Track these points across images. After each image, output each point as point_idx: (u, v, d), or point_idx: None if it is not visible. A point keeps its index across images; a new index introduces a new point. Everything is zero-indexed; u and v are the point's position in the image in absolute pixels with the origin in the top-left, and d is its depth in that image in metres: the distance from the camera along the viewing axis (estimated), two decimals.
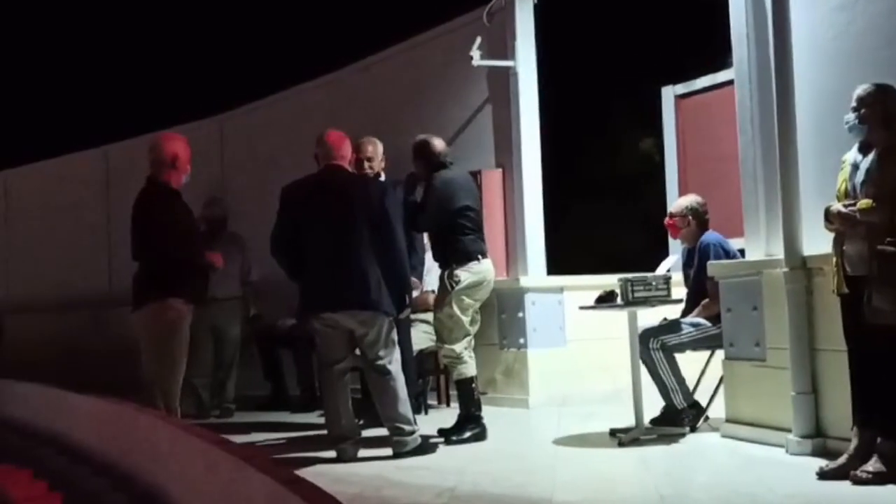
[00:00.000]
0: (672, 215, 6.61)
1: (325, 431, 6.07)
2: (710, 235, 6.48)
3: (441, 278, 6.43)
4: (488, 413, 6.61)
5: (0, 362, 9.98)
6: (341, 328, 5.90)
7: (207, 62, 16.98)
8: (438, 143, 6.56)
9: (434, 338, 7.46)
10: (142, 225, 6.00)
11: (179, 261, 5.96)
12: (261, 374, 8.99)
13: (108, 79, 17.83)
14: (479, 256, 6.40)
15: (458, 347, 6.33)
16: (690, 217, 6.53)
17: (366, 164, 6.81)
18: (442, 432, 6.31)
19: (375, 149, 6.90)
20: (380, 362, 5.89)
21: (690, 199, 6.66)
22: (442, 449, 6.07)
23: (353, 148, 6.77)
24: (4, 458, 6.05)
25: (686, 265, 6.63)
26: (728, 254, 6.36)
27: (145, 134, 11.64)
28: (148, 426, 4.94)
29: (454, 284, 6.31)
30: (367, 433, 6.21)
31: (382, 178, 6.87)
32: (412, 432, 5.89)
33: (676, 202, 6.76)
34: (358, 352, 6.03)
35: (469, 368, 6.37)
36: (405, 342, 6.65)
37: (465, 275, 6.31)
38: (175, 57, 17.23)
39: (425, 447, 5.93)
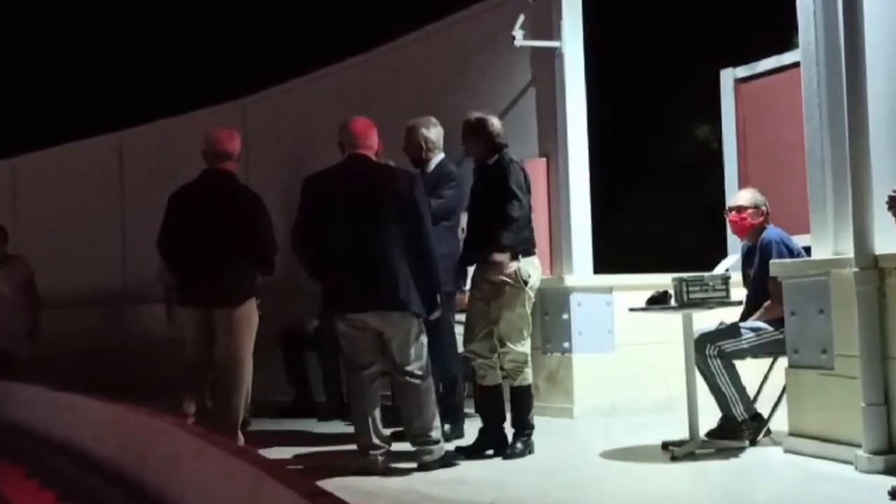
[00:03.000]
0: (742, 209, 6.51)
1: (353, 441, 6.08)
2: (772, 231, 6.43)
3: (509, 274, 6.14)
4: None
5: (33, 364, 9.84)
6: (370, 330, 5.91)
7: (229, 41, 17.05)
8: (496, 122, 6.45)
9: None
10: (250, 222, 6.36)
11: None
12: (283, 378, 9.02)
13: (122, 59, 17.95)
14: (535, 250, 6.40)
15: (528, 349, 6.24)
16: (764, 209, 6.47)
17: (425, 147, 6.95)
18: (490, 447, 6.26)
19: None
20: (410, 367, 5.91)
21: (755, 192, 6.60)
22: (480, 461, 6.07)
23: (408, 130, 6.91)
24: (15, 464, 6.14)
25: (745, 264, 6.57)
26: (791, 252, 6.31)
27: (162, 119, 11.76)
28: (163, 434, 4.98)
29: (526, 280, 6.17)
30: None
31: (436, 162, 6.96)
32: (438, 441, 5.93)
33: (742, 195, 6.65)
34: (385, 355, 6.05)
35: (531, 374, 6.33)
36: (438, 344, 6.62)
37: (533, 270, 6.24)
38: (194, 35, 17.32)
39: (449, 458, 5.97)
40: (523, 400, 6.25)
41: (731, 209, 6.57)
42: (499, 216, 6.09)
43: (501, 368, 6.29)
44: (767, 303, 6.27)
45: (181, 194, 6.55)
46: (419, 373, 5.92)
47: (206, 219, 6.33)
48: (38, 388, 7.61)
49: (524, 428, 6.23)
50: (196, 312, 6.37)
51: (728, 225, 6.71)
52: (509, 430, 6.33)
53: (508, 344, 6.19)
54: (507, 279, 6.12)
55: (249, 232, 6.32)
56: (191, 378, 6.51)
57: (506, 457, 6.12)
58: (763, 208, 6.49)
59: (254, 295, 6.44)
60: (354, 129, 6.09)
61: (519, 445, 6.17)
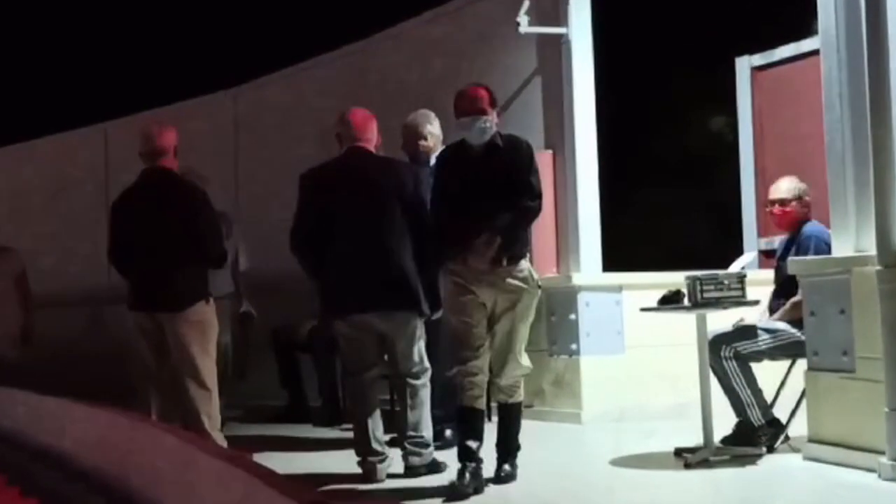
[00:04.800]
0: (785, 202, 6.47)
1: (350, 447, 6.09)
2: (814, 227, 6.37)
3: (524, 278, 5.59)
4: (535, 429, 6.58)
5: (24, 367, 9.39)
6: (372, 331, 5.93)
7: (219, 28, 17.04)
8: None
9: None
10: (192, 219, 6.29)
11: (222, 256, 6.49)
12: (276, 381, 9.03)
13: (107, 47, 17.93)
14: None
15: (529, 363, 5.76)
16: (807, 199, 6.45)
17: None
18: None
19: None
20: (412, 370, 5.95)
21: (794, 180, 6.54)
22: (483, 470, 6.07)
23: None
24: None
25: (782, 256, 6.50)
26: (831, 250, 6.27)
27: (149, 110, 11.75)
28: (151, 439, 4.98)
29: (539, 284, 5.70)
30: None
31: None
32: (428, 445, 5.96)
33: (782, 186, 6.53)
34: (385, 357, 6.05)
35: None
36: (439, 345, 6.61)
37: (535, 272, 5.73)
38: (183, 23, 17.30)
39: (438, 464, 5.97)
40: (517, 418, 5.77)
41: (773, 202, 6.53)
42: (514, 216, 5.52)
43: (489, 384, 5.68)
44: (797, 298, 6.19)
45: (120, 200, 6.55)
46: (420, 376, 5.97)
47: (146, 220, 6.33)
48: (19, 392, 7.62)
49: (516, 449, 5.73)
50: (144, 318, 6.36)
51: (771, 218, 6.67)
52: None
53: (518, 359, 5.65)
54: (522, 284, 5.58)
55: (191, 228, 6.28)
56: (149, 387, 6.47)
57: (497, 481, 5.61)
58: (806, 198, 6.46)
59: (204, 297, 6.33)
60: (353, 120, 6.09)
61: (507, 468, 5.64)
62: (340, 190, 5.93)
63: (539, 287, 5.70)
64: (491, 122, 5.61)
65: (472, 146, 5.67)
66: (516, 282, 5.57)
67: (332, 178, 6.00)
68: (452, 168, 5.74)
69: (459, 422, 5.75)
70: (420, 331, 5.97)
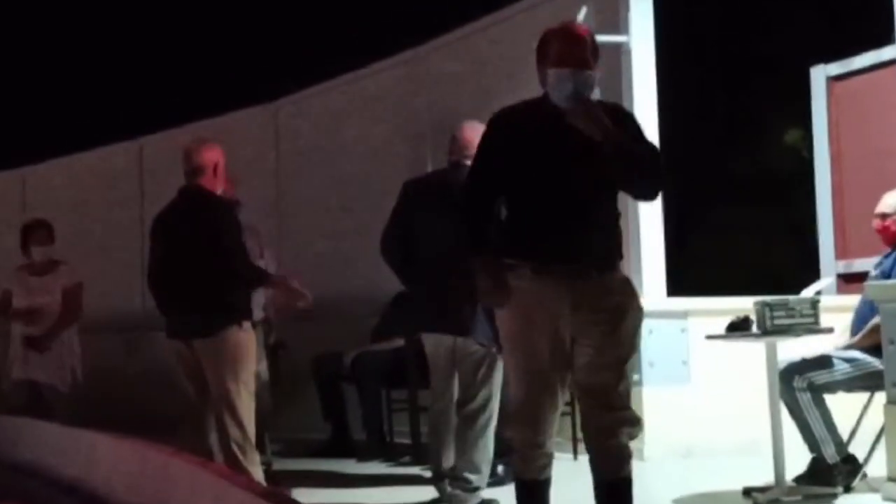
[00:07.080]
0: (886, 216, 6.38)
1: (401, 485, 6.13)
2: None
3: (618, 289, 4.35)
4: None
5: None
6: (446, 352, 6.04)
7: (259, 39, 17.21)
8: None
9: None
10: (218, 236, 6.29)
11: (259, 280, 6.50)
12: (318, 413, 9.07)
13: (142, 60, 18.17)
14: None
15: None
16: None
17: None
18: None
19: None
20: (473, 404, 6.00)
21: None
22: None
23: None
24: None
25: (884, 276, 6.42)
26: None
27: (186, 124, 11.88)
28: (183, 473, 5.01)
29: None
30: None
31: None
32: (477, 488, 5.97)
33: (886, 200, 6.47)
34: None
35: None
36: None
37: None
38: (221, 33, 17.49)
39: (488, 503, 6.00)
40: (630, 493, 4.41)
41: (876, 215, 6.51)
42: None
43: (599, 447, 4.32)
44: (875, 321, 6.10)
45: (157, 221, 6.61)
46: (480, 411, 5.99)
47: (177, 242, 6.39)
48: (48, 424, 7.68)
49: None
50: (180, 345, 6.42)
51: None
52: None
53: (625, 407, 4.28)
54: (625, 299, 4.30)
55: (217, 247, 6.26)
56: (186, 416, 6.53)
57: None
58: None
59: (238, 321, 6.27)
60: (456, 135, 6.25)
61: None
62: (429, 205, 6.07)
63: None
64: (595, 80, 4.39)
65: (559, 108, 4.35)
66: (617, 297, 4.27)
67: (425, 192, 6.20)
68: (528, 133, 4.44)
69: (520, 499, 4.47)
70: (489, 360, 5.98)
